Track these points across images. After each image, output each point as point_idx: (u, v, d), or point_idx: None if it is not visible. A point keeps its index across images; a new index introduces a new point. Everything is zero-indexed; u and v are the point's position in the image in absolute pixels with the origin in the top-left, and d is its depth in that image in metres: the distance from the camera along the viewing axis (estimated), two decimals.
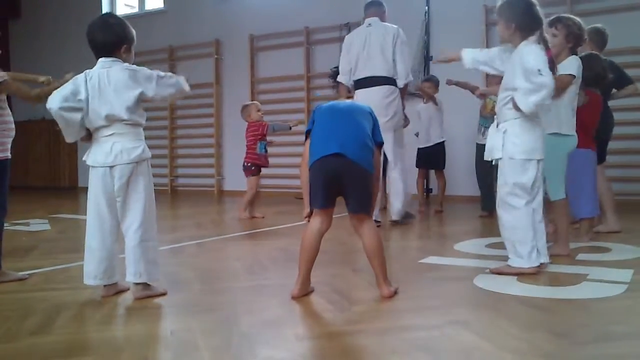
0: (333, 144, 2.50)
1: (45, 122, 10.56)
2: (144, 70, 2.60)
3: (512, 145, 2.95)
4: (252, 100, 7.41)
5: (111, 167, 2.54)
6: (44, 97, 2.70)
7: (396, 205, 4.96)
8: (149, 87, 2.57)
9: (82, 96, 2.53)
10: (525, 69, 2.85)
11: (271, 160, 6.07)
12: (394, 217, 4.98)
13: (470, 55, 3.27)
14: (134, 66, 2.62)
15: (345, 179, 2.50)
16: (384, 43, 4.84)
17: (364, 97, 4.64)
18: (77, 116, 2.54)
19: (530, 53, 2.87)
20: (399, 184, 4.96)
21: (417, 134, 6.37)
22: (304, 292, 2.59)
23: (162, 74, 2.62)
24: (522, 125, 2.94)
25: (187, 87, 2.69)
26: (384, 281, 2.57)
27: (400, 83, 4.94)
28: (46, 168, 11.33)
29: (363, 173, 2.53)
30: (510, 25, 2.95)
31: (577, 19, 3.53)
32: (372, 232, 2.56)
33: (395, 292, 2.58)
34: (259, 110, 5.83)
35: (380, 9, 5.06)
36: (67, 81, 2.70)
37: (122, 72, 2.56)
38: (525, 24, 2.93)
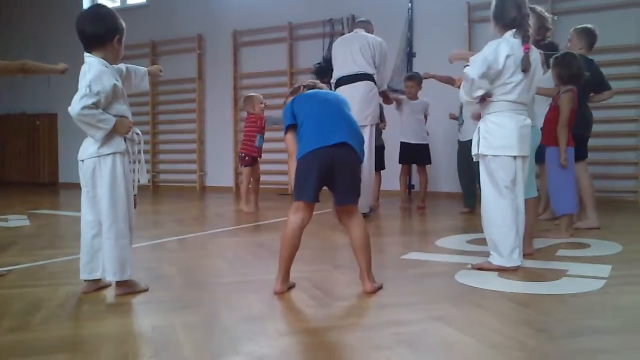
0: (336, 133, 2.49)
1: (25, 116, 9.92)
2: (82, 85, 2.45)
3: (483, 141, 3.01)
4: (243, 94, 7.31)
5: (82, 161, 2.57)
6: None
7: (364, 198, 5.03)
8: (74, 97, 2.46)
9: None
10: None
11: None
12: (362, 210, 5.04)
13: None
14: (93, 69, 2.48)
15: (338, 169, 2.49)
16: (365, 45, 5.17)
17: (349, 92, 4.76)
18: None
19: (486, 45, 2.99)
20: (368, 177, 5.05)
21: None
22: (286, 288, 2.59)
23: (90, 103, 2.42)
24: (493, 121, 2.99)
25: (101, 134, 2.49)
26: (367, 276, 2.57)
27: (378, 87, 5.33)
28: (25, 163, 11.15)
29: (357, 162, 2.55)
30: (493, 21, 3.09)
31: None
32: (360, 225, 2.57)
33: (379, 288, 2.59)
34: (262, 103, 5.92)
35: (367, 26, 5.49)
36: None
37: (83, 67, 2.52)
38: (505, 21, 3.03)
